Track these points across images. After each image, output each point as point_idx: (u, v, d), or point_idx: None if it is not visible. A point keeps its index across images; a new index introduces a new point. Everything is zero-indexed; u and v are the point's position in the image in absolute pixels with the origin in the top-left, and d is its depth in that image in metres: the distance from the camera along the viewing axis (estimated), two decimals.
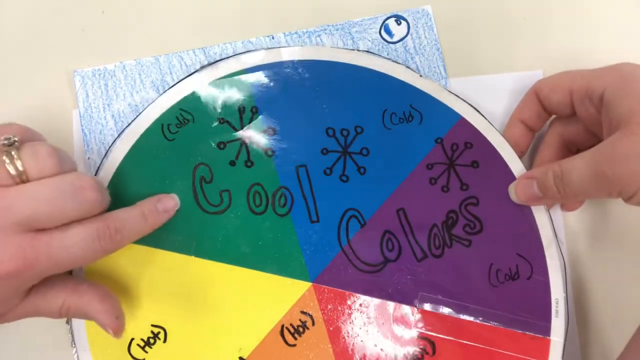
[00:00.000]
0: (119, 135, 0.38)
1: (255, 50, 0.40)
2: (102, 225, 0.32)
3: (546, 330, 0.37)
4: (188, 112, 0.39)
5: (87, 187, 0.31)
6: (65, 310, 0.33)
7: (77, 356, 0.37)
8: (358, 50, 0.40)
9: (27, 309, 0.32)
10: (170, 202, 0.37)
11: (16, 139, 0.30)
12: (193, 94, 0.39)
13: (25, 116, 0.40)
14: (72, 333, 0.37)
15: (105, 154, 0.38)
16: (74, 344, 0.37)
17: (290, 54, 0.40)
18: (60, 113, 0.40)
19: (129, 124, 0.39)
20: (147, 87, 0.40)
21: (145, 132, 0.38)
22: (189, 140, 0.38)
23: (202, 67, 0.39)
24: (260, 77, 0.39)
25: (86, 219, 0.31)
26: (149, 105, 0.39)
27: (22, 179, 0.30)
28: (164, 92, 0.39)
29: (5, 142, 0.30)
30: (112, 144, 0.38)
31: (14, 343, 0.38)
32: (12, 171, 0.29)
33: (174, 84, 0.39)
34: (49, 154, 0.31)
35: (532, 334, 0.37)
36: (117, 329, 0.33)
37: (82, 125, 0.40)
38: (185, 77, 0.39)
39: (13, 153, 0.30)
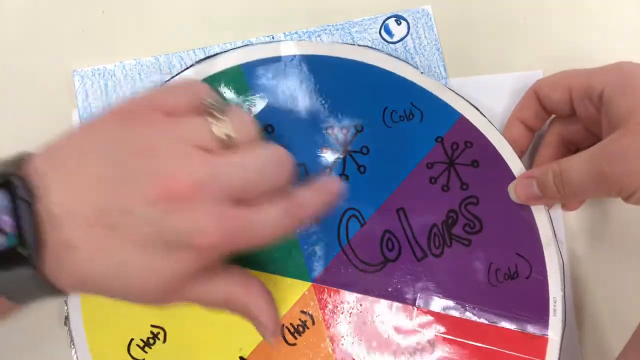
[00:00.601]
0: None
1: (253, 44, 0.40)
2: (288, 202, 0.29)
3: (544, 329, 0.37)
4: None
5: (285, 159, 0.29)
6: (229, 302, 0.30)
7: (77, 356, 0.36)
8: (358, 45, 0.40)
9: (191, 293, 0.29)
10: (336, 183, 0.32)
11: (223, 102, 0.28)
12: None
13: (25, 116, 0.40)
14: (71, 333, 0.37)
15: None
16: (73, 344, 0.37)
17: (289, 48, 0.39)
18: (60, 113, 0.40)
19: None
20: (147, 87, 0.40)
21: None
22: None
23: (198, 62, 0.39)
24: (258, 73, 0.39)
25: (274, 196, 0.28)
26: None
27: (228, 144, 0.27)
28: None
29: (214, 104, 0.28)
30: None
31: (12, 343, 0.38)
32: (221, 135, 0.27)
33: (168, 80, 0.39)
34: (252, 121, 0.29)
35: (531, 332, 0.37)
36: (277, 336, 0.31)
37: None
38: (180, 72, 0.39)
39: (221, 116, 0.28)
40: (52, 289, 0.27)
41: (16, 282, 0.26)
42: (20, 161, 0.27)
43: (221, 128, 0.27)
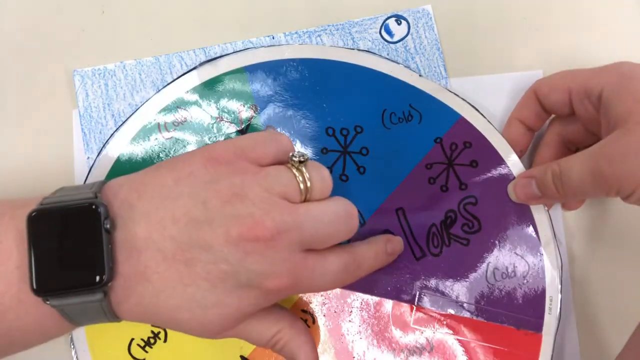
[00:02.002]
0: (113, 134, 0.38)
1: (255, 47, 0.40)
2: (350, 257, 0.31)
3: (539, 327, 0.37)
4: (185, 110, 0.39)
5: (354, 214, 0.31)
6: (276, 342, 0.31)
7: (77, 356, 0.37)
8: (358, 50, 0.40)
9: (244, 330, 0.31)
10: (397, 246, 0.36)
11: (306, 157, 0.30)
12: (191, 91, 0.39)
13: (25, 116, 0.40)
14: (71, 333, 0.37)
15: (99, 152, 0.38)
16: (73, 344, 0.37)
17: (291, 52, 0.40)
18: (60, 113, 0.40)
19: (124, 122, 0.38)
20: (147, 87, 0.40)
21: (141, 130, 0.38)
22: (187, 139, 0.38)
23: (201, 64, 0.39)
24: (259, 75, 0.39)
25: (337, 249, 0.31)
26: (145, 102, 0.39)
27: (307, 197, 0.30)
28: (160, 90, 0.39)
29: (298, 158, 0.30)
30: (106, 142, 0.38)
31: None
32: (303, 188, 0.29)
33: (171, 81, 0.39)
34: (329, 176, 0.31)
35: (526, 330, 0.37)
36: None
37: (82, 125, 0.40)
38: (184, 74, 0.39)
39: (304, 169, 0.30)
40: (113, 316, 0.28)
41: (81, 306, 0.27)
42: (100, 188, 0.29)
43: (303, 181, 0.29)
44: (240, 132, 0.39)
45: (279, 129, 0.39)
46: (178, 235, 0.27)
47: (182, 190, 0.28)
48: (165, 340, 0.37)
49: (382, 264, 0.35)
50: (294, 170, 0.30)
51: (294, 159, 0.30)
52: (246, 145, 0.30)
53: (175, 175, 0.29)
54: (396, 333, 0.37)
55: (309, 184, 0.29)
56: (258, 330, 0.31)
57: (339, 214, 0.30)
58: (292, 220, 0.28)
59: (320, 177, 0.30)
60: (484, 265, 0.38)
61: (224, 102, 0.39)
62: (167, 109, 0.39)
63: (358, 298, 0.38)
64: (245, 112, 0.39)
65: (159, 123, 0.38)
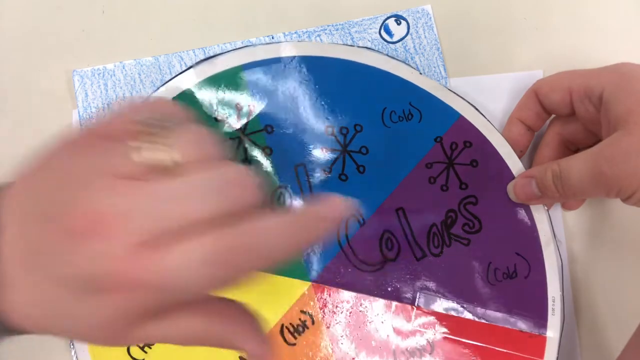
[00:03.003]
0: None
1: (253, 45, 0.40)
2: (237, 239, 0.23)
3: (543, 328, 0.37)
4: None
5: (239, 182, 0.23)
6: (204, 339, 0.26)
7: (76, 357, 0.37)
8: (358, 47, 0.40)
9: (149, 334, 0.25)
10: (337, 204, 0.26)
11: (171, 121, 0.24)
12: (188, 90, 0.39)
13: (25, 116, 0.40)
14: None
15: None
16: (73, 345, 0.37)
17: (289, 50, 0.39)
18: (60, 113, 0.40)
19: None
20: (146, 87, 0.40)
21: None
22: None
23: (198, 63, 0.39)
24: (258, 74, 0.39)
25: (217, 229, 0.22)
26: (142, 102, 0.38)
27: (169, 168, 0.23)
28: (157, 89, 0.39)
29: (152, 122, 0.24)
30: None
31: (12, 343, 0.38)
32: (153, 159, 0.23)
33: (168, 80, 0.39)
34: (207, 140, 0.24)
35: (529, 331, 0.37)
36: (268, 357, 0.26)
37: (81, 125, 0.40)
38: (181, 73, 0.39)
39: (161, 137, 0.23)
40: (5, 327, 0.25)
41: None
42: None
43: (155, 152, 0.23)
44: (239, 130, 0.38)
45: (278, 129, 0.39)
46: (26, 237, 0.24)
47: (37, 186, 0.25)
48: None
49: (313, 237, 0.26)
50: (143, 142, 0.23)
51: (148, 125, 0.24)
52: (100, 120, 0.25)
53: (39, 169, 0.25)
54: (397, 334, 0.37)
55: (162, 154, 0.23)
56: (172, 331, 0.25)
57: (207, 187, 0.23)
58: (130, 203, 0.22)
59: (188, 142, 0.23)
60: (485, 265, 0.38)
61: (221, 101, 0.39)
62: None
63: (358, 299, 0.37)
64: (244, 111, 0.39)
65: None
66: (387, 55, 0.40)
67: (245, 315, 0.26)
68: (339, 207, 0.25)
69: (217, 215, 0.22)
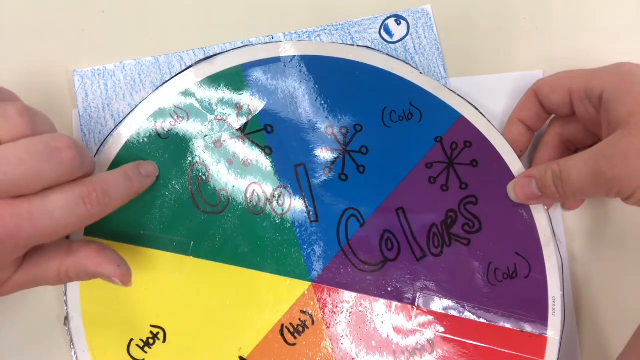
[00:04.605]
0: (110, 134, 0.38)
1: (253, 45, 0.40)
2: (86, 188, 0.30)
3: (543, 328, 0.37)
4: (182, 109, 0.39)
5: (63, 148, 0.29)
6: (65, 274, 0.32)
7: (76, 357, 0.36)
8: (358, 46, 0.40)
9: (23, 280, 0.31)
10: (150, 167, 0.36)
11: None
12: (188, 90, 0.39)
13: None
14: (70, 333, 0.37)
15: (97, 153, 0.38)
16: (73, 345, 0.37)
17: (289, 49, 0.39)
18: (60, 113, 0.40)
19: (121, 122, 0.38)
20: (146, 87, 0.40)
21: (138, 130, 0.38)
22: (184, 138, 0.38)
23: (198, 62, 0.39)
24: (257, 73, 0.39)
25: (68, 183, 0.29)
26: (141, 102, 0.38)
27: None
28: (157, 88, 0.39)
29: None
30: (103, 142, 0.38)
31: (12, 343, 0.38)
32: None
33: (168, 80, 0.39)
34: (20, 113, 0.28)
35: (530, 332, 0.37)
36: (123, 277, 0.32)
37: (81, 125, 0.40)
38: (180, 72, 0.39)
39: None
40: None
41: None
42: None
43: None
44: (238, 130, 0.38)
45: (277, 129, 0.39)
46: None
47: None
48: (164, 341, 0.37)
49: (140, 187, 0.35)
50: None
51: None
52: None
53: None
54: (397, 334, 0.37)
55: None
56: (40, 273, 0.31)
57: (35, 151, 0.28)
58: None
59: (1, 116, 0.28)
60: (485, 265, 0.38)
61: (221, 101, 0.39)
62: (164, 108, 0.38)
63: (358, 299, 0.37)
64: (243, 110, 0.39)
65: (156, 122, 0.38)
66: (388, 54, 0.40)
67: (99, 249, 0.33)
68: (153, 168, 0.37)
69: (54, 176, 0.28)
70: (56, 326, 0.38)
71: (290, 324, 0.37)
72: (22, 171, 0.27)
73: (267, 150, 0.38)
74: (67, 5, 0.42)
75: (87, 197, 0.30)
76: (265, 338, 0.37)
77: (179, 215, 0.37)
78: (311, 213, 0.38)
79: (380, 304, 0.37)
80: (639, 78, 0.33)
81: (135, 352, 0.37)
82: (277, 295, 0.37)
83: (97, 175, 0.31)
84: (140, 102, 0.38)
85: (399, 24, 0.42)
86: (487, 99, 0.41)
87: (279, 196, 0.38)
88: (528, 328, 0.37)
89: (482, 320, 0.37)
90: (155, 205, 0.37)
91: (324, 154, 0.39)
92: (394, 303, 0.37)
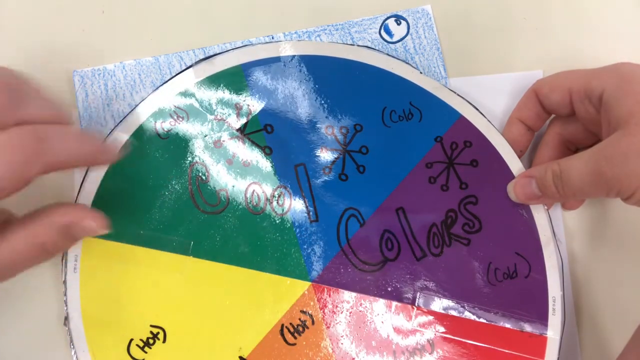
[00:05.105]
0: (109, 134, 0.38)
1: (253, 45, 0.40)
2: (19, 132, 0.27)
3: (543, 328, 0.37)
4: (182, 109, 0.39)
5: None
6: (53, 248, 0.30)
7: (76, 357, 0.36)
8: (358, 46, 0.40)
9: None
10: (111, 147, 0.35)
11: None
12: (188, 90, 0.39)
13: None
14: (70, 333, 0.37)
15: None
16: (73, 345, 0.37)
17: (289, 49, 0.39)
18: None
19: (120, 122, 0.38)
20: (146, 87, 0.40)
21: (137, 130, 0.38)
22: (184, 138, 0.38)
23: (197, 62, 0.39)
24: (257, 73, 0.39)
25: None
26: (141, 102, 0.38)
27: None
28: (157, 88, 0.39)
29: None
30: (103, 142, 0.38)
31: (12, 343, 0.38)
32: None
33: (168, 80, 0.39)
34: None
35: (530, 331, 0.37)
36: (95, 218, 0.31)
37: (81, 125, 0.40)
38: (180, 72, 0.39)
39: None
40: None
41: None
42: None
43: None
44: (238, 130, 0.38)
45: (277, 129, 0.39)
46: None
47: None
48: (164, 341, 0.37)
49: (93, 152, 0.30)
50: None
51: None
52: None
53: None
54: (397, 334, 0.37)
55: None
56: (8, 248, 0.29)
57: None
58: None
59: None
60: (485, 265, 0.38)
61: (221, 101, 0.39)
62: (164, 108, 0.38)
63: (358, 299, 0.37)
64: (243, 110, 0.39)
65: (155, 122, 0.38)
66: (387, 54, 0.40)
67: (64, 206, 0.31)
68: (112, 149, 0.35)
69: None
70: (56, 326, 0.38)
71: (290, 324, 0.37)
72: None
73: (267, 150, 0.38)
74: (67, 5, 0.42)
75: (25, 140, 0.27)
76: (265, 338, 0.37)
77: (178, 215, 0.37)
78: (311, 213, 0.38)
79: (380, 304, 0.37)
80: (638, 78, 0.33)
81: (135, 352, 0.37)
82: (277, 295, 0.37)
83: (40, 124, 0.28)
84: (140, 102, 0.38)
85: (399, 24, 0.42)
86: (487, 99, 0.41)
87: (279, 196, 0.38)
88: (528, 328, 0.37)
89: (482, 320, 0.37)
90: (155, 205, 0.37)
91: (324, 154, 0.39)
92: (394, 303, 0.37)
